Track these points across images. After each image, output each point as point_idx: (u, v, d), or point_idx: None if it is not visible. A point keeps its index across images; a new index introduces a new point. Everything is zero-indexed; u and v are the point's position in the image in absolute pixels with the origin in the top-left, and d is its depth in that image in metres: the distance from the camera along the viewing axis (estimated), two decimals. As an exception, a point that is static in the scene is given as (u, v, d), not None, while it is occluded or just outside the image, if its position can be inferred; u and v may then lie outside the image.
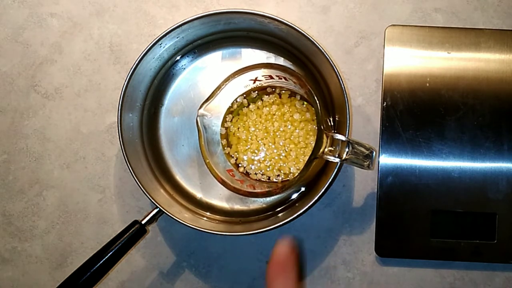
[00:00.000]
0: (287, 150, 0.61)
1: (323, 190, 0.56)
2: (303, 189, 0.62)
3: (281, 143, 0.61)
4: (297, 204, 0.61)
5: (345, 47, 0.65)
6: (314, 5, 0.65)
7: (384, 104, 0.62)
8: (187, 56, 0.64)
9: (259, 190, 0.58)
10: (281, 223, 0.56)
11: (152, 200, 0.57)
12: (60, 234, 0.65)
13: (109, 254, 0.56)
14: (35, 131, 0.65)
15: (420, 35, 0.63)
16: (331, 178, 0.56)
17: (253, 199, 0.63)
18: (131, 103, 0.60)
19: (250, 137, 0.61)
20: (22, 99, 0.66)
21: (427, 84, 0.62)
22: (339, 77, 0.56)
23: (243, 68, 0.57)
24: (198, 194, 0.63)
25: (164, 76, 0.63)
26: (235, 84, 0.58)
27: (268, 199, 0.63)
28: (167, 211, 0.57)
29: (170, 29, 0.58)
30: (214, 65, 0.63)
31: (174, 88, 0.64)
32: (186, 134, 0.63)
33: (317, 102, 0.54)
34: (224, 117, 0.62)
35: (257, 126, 0.61)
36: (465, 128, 0.62)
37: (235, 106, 0.62)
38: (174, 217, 0.57)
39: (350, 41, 0.65)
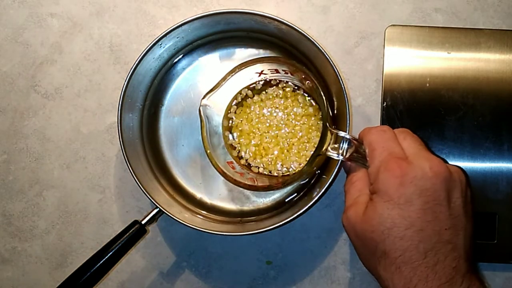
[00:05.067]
0: (289, 144, 0.61)
1: (323, 190, 0.56)
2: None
3: (283, 137, 0.61)
4: (297, 204, 0.61)
5: (345, 47, 0.65)
6: (314, 5, 0.65)
7: (384, 104, 0.62)
8: (187, 56, 0.63)
9: (259, 184, 0.58)
10: (281, 223, 0.56)
11: (152, 200, 0.57)
12: (60, 234, 0.65)
13: (109, 254, 0.56)
14: (35, 131, 0.65)
15: (420, 35, 0.63)
16: (331, 178, 0.56)
17: (253, 199, 0.63)
18: (131, 103, 0.60)
19: (252, 130, 0.61)
20: (22, 99, 0.66)
21: (427, 84, 0.62)
22: (339, 77, 0.56)
23: (249, 60, 0.57)
24: (198, 194, 0.63)
25: (164, 76, 0.63)
26: (240, 76, 0.58)
27: (267, 199, 0.62)
28: (167, 211, 0.57)
29: (170, 29, 0.58)
30: (214, 65, 0.63)
31: (174, 88, 0.64)
32: (186, 134, 0.63)
33: (323, 98, 0.53)
34: (227, 109, 0.62)
35: (260, 118, 0.61)
36: (465, 128, 0.62)
37: (239, 98, 0.61)
38: (174, 217, 0.57)
39: (350, 41, 0.65)
